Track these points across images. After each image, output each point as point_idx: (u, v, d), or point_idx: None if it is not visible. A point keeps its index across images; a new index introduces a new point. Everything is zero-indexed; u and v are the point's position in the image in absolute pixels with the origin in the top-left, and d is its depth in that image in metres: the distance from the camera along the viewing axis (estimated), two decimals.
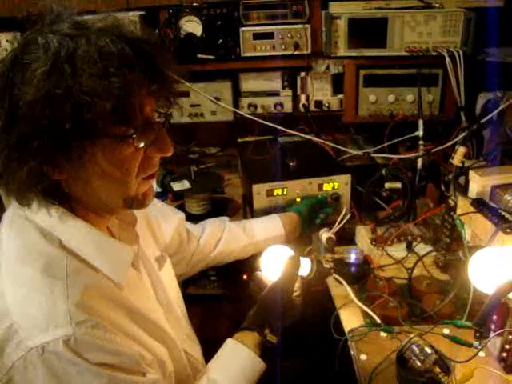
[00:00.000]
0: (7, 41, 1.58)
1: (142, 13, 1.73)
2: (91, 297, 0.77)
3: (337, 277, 1.26)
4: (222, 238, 1.38)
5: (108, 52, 0.72)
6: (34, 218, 0.81)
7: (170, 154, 0.85)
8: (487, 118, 1.48)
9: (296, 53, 1.76)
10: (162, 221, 1.27)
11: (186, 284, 1.49)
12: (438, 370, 0.92)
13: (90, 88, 0.69)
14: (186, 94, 1.83)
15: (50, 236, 0.80)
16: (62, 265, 0.78)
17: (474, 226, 1.19)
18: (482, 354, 1.02)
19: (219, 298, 1.56)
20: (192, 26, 1.75)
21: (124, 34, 0.77)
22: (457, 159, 1.30)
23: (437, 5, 1.67)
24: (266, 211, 1.54)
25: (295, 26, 1.75)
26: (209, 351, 1.12)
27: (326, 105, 1.89)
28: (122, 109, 0.73)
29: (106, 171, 0.79)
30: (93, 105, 0.70)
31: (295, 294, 1.10)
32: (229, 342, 1.02)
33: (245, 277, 1.44)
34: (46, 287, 0.75)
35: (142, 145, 0.80)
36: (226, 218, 1.47)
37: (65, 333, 0.71)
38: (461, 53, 1.60)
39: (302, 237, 1.48)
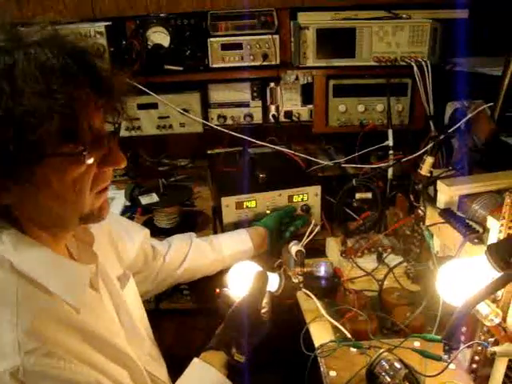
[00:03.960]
0: None
1: (109, 23, 1.70)
2: (43, 323, 0.73)
3: (306, 291, 1.23)
4: (189, 255, 1.35)
5: (50, 67, 0.68)
6: None
7: (123, 166, 0.82)
8: (455, 127, 1.48)
9: (265, 63, 1.75)
10: (126, 238, 1.23)
11: (158, 298, 1.46)
12: None
13: (33, 108, 0.65)
14: (154, 106, 1.80)
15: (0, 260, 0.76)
16: (13, 290, 0.73)
17: (442, 236, 1.18)
18: (452, 366, 1.01)
19: (192, 312, 1.53)
20: (159, 36, 1.73)
21: (64, 45, 0.72)
22: (425, 169, 1.29)
23: (404, 15, 1.69)
24: (236, 224, 1.51)
25: (264, 37, 1.74)
26: (183, 366, 1.08)
27: (296, 115, 1.88)
28: (69, 127, 0.69)
29: (57, 191, 0.75)
30: (37, 125, 0.66)
31: (263, 310, 1.07)
32: (195, 361, 0.99)
33: (217, 290, 1.41)
34: None
35: (93, 160, 0.76)
36: (192, 234, 1.43)
37: (12, 364, 0.67)
38: (428, 63, 1.61)
39: (271, 250, 1.45)
